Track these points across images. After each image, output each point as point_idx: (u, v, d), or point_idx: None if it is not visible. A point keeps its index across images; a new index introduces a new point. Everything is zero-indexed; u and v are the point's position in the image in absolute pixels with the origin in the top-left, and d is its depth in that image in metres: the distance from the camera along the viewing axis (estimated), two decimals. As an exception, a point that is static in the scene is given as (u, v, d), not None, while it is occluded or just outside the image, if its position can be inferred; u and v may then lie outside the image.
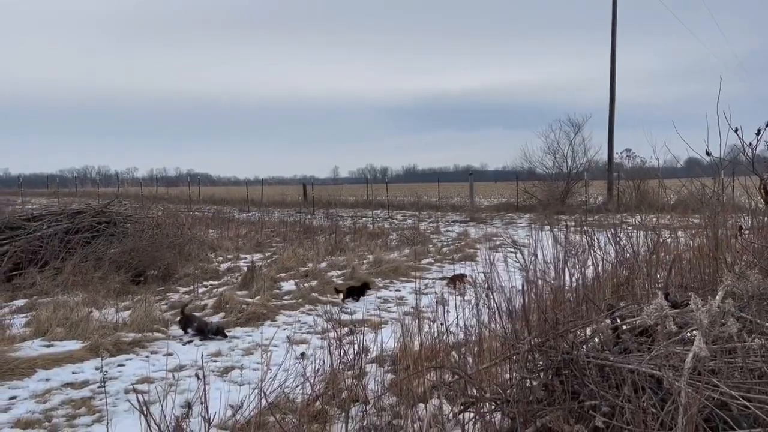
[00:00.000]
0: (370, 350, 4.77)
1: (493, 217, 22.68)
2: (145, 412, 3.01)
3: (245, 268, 9.85)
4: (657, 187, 22.37)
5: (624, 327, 3.26)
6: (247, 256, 12.32)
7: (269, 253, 12.59)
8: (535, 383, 2.75)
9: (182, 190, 40.15)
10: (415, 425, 3.36)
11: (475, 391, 2.80)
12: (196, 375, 3.78)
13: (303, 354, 4.09)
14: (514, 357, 2.94)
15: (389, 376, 4.54)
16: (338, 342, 4.39)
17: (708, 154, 5.38)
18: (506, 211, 25.75)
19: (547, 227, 6.75)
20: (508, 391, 2.69)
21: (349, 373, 4.38)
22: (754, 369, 2.50)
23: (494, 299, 3.79)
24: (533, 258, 4.50)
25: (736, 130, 5.13)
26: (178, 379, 4.80)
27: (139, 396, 3.21)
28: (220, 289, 8.60)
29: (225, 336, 6.47)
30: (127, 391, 4.85)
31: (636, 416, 2.19)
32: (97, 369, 5.45)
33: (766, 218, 5.85)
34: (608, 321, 2.87)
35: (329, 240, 13.92)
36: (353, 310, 7.45)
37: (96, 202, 16.24)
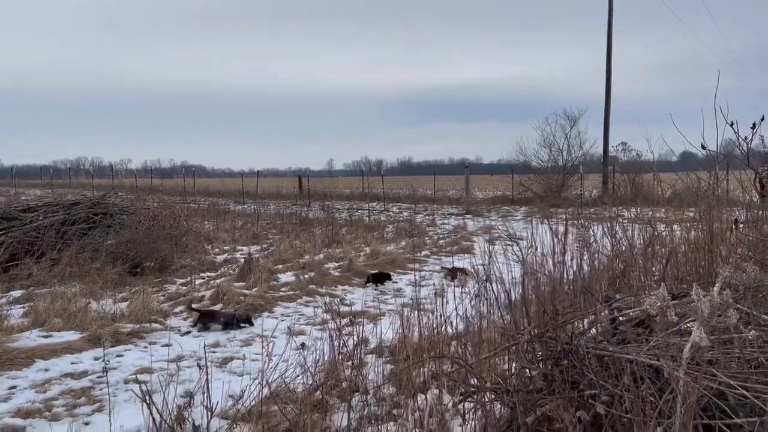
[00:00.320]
0: (369, 341, 4.80)
1: (489, 210, 22.73)
2: (148, 401, 3.03)
3: (242, 260, 9.86)
4: (652, 180, 22.51)
5: (621, 318, 3.30)
6: (244, 247, 12.32)
7: (266, 245, 12.59)
8: (534, 373, 2.78)
9: (177, 182, 40.07)
10: (415, 414, 3.39)
11: (475, 380, 2.83)
12: (198, 365, 3.80)
13: (303, 344, 4.11)
14: (514, 347, 2.97)
15: (388, 366, 4.57)
16: (338, 333, 4.41)
17: (703, 147, 5.42)
18: (502, 204, 25.82)
19: (545, 220, 6.77)
20: (508, 381, 2.72)
21: (349, 363, 4.42)
22: (751, 359, 2.54)
23: (493, 290, 3.82)
24: (534, 249, 4.53)
25: (731, 125, 5.18)
26: (178, 369, 4.82)
27: (142, 385, 3.24)
28: (218, 281, 8.62)
29: (252, 323, 6.53)
30: (126, 381, 4.87)
31: (635, 405, 2.23)
32: (96, 359, 5.47)
33: (760, 212, 5.91)
34: (606, 312, 2.90)
35: (326, 232, 13.93)
36: (351, 302, 7.48)
37: (91, 193, 16.19)
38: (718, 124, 4.96)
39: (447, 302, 4.89)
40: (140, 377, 4.86)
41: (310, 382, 3.91)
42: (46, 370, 5.15)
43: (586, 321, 3.13)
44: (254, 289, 8.01)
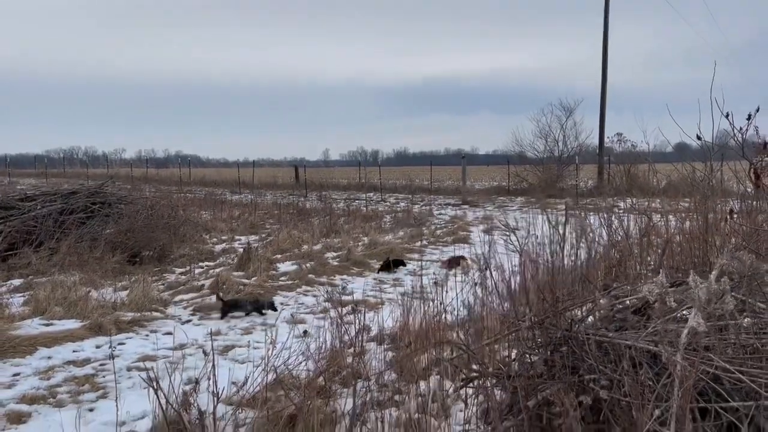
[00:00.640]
0: (371, 329, 4.86)
1: (485, 201, 22.80)
2: (155, 387, 3.08)
3: (240, 250, 9.90)
4: (647, 171, 22.58)
5: (619, 306, 3.37)
6: (242, 237, 12.36)
7: (264, 235, 12.63)
8: (535, 358, 2.84)
9: (172, 172, 39.94)
10: (418, 400, 3.46)
11: (477, 366, 2.89)
12: (203, 351, 3.84)
13: (305, 332, 4.17)
14: (515, 334, 3.03)
15: (389, 353, 4.63)
16: (339, 320, 4.47)
17: (699, 138, 5.48)
18: (498, 194, 25.89)
19: (542, 210, 6.84)
20: (510, 367, 2.78)
21: (350, 351, 4.48)
22: (747, 345, 2.61)
23: (493, 279, 3.88)
24: (534, 238, 4.58)
25: (727, 116, 5.23)
26: (184, 357, 4.87)
27: (150, 372, 3.29)
28: (216, 270, 8.66)
29: (276, 309, 6.65)
30: (129, 369, 4.92)
31: (634, 389, 2.29)
32: (97, 347, 5.51)
33: (754, 202, 5.98)
34: (606, 299, 2.96)
35: (323, 222, 13.98)
36: (352, 291, 7.53)
37: (86, 183, 16.17)
38: (714, 115, 5.01)
39: (447, 291, 4.94)
40: (143, 365, 4.91)
41: (312, 369, 3.96)
42: (49, 357, 5.19)
43: (584, 308, 3.19)
44: (253, 279, 8.06)
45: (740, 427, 2.33)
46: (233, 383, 4.16)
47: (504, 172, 29.08)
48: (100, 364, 5.05)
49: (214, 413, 3.12)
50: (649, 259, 6.23)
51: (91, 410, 4.09)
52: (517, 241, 5.00)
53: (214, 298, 7.33)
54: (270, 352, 3.63)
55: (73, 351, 5.38)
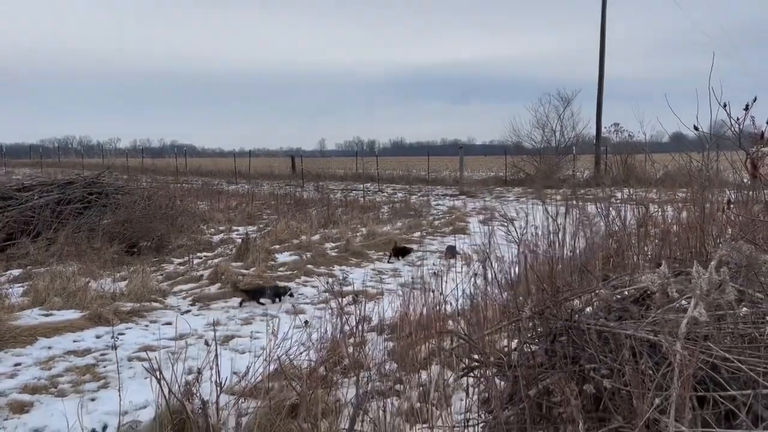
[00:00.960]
0: (371, 319, 4.89)
1: (482, 191, 22.82)
2: (158, 377, 3.10)
3: (238, 240, 9.91)
4: (644, 161, 22.65)
5: (618, 296, 3.39)
6: (240, 228, 12.36)
7: (261, 225, 12.64)
8: (535, 348, 2.87)
9: (168, 162, 39.82)
10: (418, 389, 3.49)
11: (478, 355, 2.92)
12: (206, 342, 3.86)
13: (306, 322, 4.19)
14: (515, 324, 3.05)
15: (389, 344, 4.66)
16: (340, 310, 4.49)
17: (696, 129, 5.50)
18: (495, 185, 25.91)
19: (542, 201, 6.86)
20: (511, 356, 2.81)
21: (351, 341, 4.50)
22: (745, 334, 2.64)
23: (493, 269, 3.91)
24: (533, 229, 4.60)
25: (724, 106, 5.25)
26: (187, 346, 4.89)
27: (152, 362, 3.31)
28: (215, 261, 8.67)
29: (293, 295, 6.89)
30: (130, 359, 4.94)
31: (634, 378, 2.32)
32: (97, 337, 5.53)
33: (751, 192, 6.01)
34: (608, 290, 2.98)
35: (321, 213, 13.98)
36: (351, 281, 7.55)
37: (82, 172, 16.10)
38: (712, 106, 5.03)
39: (446, 282, 4.97)
40: (144, 355, 4.93)
41: (313, 358, 3.99)
42: (50, 347, 5.20)
43: (584, 298, 3.22)
44: (252, 269, 8.07)
45: (738, 415, 2.37)
46: (234, 373, 4.19)
47: (501, 163, 29.09)
48: (101, 354, 5.06)
49: (217, 403, 3.15)
50: (646, 249, 6.28)
51: (93, 400, 4.12)
52: (516, 231, 5.02)
53: (213, 288, 7.36)
54: (272, 342, 3.65)
55: (74, 341, 5.40)
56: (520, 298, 3.30)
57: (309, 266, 8.51)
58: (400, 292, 6.16)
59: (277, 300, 6.70)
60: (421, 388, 3.63)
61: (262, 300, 6.66)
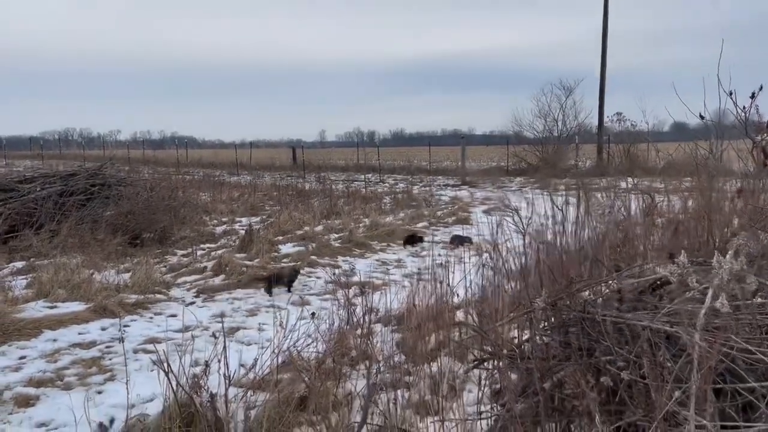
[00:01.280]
0: (377, 311, 4.85)
1: (484, 181, 22.74)
2: (166, 370, 3.07)
3: (241, 232, 9.88)
4: (646, 150, 22.56)
5: (630, 286, 3.35)
6: (242, 219, 12.32)
7: (264, 217, 12.59)
8: (548, 340, 2.83)
9: (169, 153, 39.73)
10: (428, 381, 3.46)
11: (490, 347, 2.88)
12: (213, 335, 3.83)
13: (313, 314, 4.16)
14: (526, 315, 3.01)
15: (396, 335, 4.63)
16: (347, 302, 4.45)
17: (702, 117, 5.44)
18: (497, 174, 25.79)
19: (547, 191, 6.80)
20: (524, 348, 2.77)
21: (357, 332, 4.47)
22: (762, 325, 2.59)
23: (503, 259, 3.86)
24: (543, 218, 4.55)
25: (730, 94, 5.19)
26: (193, 337, 4.85)
27: (158, 354, 3.27)
28: (218, 252, 8.63)
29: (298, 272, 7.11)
30: (135, 351, 4.91)
31: (653, 370, 2.28)
32: (102, 330, 5.50)
33: (758, 181, 5.95)
34: (621, 280, 2.94)
35: (323, 204, 13.93)
36: (358, 272, 7.48)
37: (84, 164, 16.05)
38: (720, 95, 4.97)
39: (453, 272, 4.92)
40: (149, 347, 4.90)
41: (321, 350, 3.96)
42: (55, 340, 5.18)
43: (596, 289, 3.17)
44: (256, 260, 8.03)
45: (758, 407, 2.33)
46: (242, 365, 4.16)
47: (502, 153, 28.97)
48: (106, 347, 5.04)
49: (225, 396, 3.12)
50: (652, 239, 6.22)
51: (99, 393, 4.09)
52: (520, 221, 4.96)
53: (217, 279, 7.34)
54: (280, 334, 3.61)
55: (79, 333, 5.37)
56: (531, 289, 3.25)
57: (312, 257, 8.47)
58: (406, 283, 6.14)
59: (290, 286, 6.81)
60: (429, 380, 3.59)
61: (277, 287, 6.74)
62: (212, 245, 9.54)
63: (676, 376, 2.40)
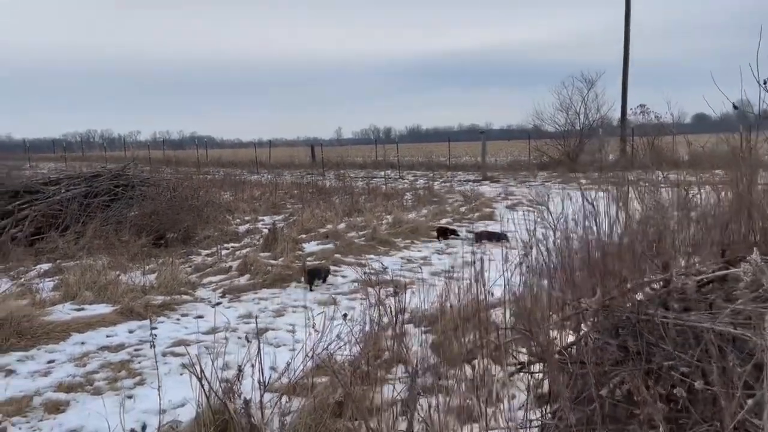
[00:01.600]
0: (410, 311, 4.72)
1: (506, 176, 22.47)
2: (199, 376, 2.97)
3: (264, 230, 9.80)
4: (672, 143, 22.09)
5: (681, 286, 3.17)
6: (265, 217, 12.27)
7: (286, 215, 12.53)
8: (600, 343, 2.67)
9: (189, 153, 40.00)
10: (467, 385, 3.31)
11: (537, 350, 2.74)
12: (246, 338, 3.73)
13: (345, 315, 4.04)
14: (575, 316, 2.86)
15: (428, 336, 4.49)
16: (378, 302, 4.33)
17: (735, 108, 5.22)
18: (518, 169, 25.48)
19: (569, 185, 6.59)
20: (576, 350, 2.63)
21: (389, 333, 4.34)
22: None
23: (542, 256, 3.70)
24: (573, 214, 4.35)
25: (765, 83, 4.96)
26: (227, 339, 4.78)
27: (190, 358, 3.18)
28: (243, 251, 8.57)
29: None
30: (164, 354, 4.84)
31: (721, 376, 2.12)
32: (130, 332, 5.45)
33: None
34: (679, 279, 2.76)
35: (345, 201, 13.83)
36: (390, 271, 7.33)
37: (106, 165, 16.14)
38: (760, 84, 4.75)
39: (487, 270, 4.76)
40: (178, 350, 4.83)
41: (354, 353, 3.84)
42: (83, 343, 5.13)
43: (647, 288, 3.00)
44: (280, 259, 7.95)
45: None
46: (272, 368, 4.06)
47: (522, 147, 28.63)
48: (135, 350, 4.98)
49: (261, 402, 3.01)
50: (685, 234, 6.00)
51: (129, 397, 4.01)
52: (551, 217, 4.78)
53: (242, 279, 7.27)
54: (314, 336, 3.50)
55: (107, 336, 5.33)
56: (575, 289, 3.09)
57: (337, 255, 8.37)
58: (435, 282, 5.99)
59: (322, 282, 6.97)
60: (469, 384, 3.45)
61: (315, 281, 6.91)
62: (236, 244, 9.49)
63: (745, 383, 2.24)
